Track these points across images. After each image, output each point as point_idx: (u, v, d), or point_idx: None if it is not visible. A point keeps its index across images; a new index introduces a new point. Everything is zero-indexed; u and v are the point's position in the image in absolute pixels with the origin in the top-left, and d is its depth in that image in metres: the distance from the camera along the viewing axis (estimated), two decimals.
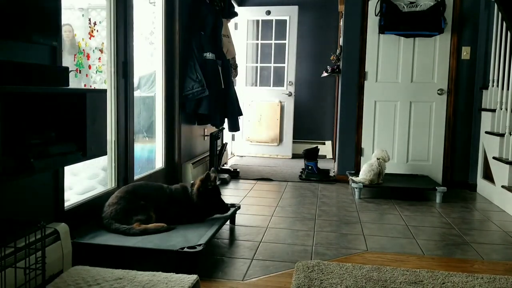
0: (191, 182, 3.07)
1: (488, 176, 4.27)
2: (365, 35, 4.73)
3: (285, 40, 6.46)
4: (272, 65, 6.69)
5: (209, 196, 2.85)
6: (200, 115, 4.39)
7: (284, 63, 6.51)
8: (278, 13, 6.47)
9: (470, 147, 4.66)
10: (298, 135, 6.58)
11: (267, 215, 3.51)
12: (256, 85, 6.81)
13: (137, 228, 2.48)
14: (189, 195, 2.86)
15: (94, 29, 2.90)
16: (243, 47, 6.56)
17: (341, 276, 2.28)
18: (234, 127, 5.14)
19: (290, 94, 6.47)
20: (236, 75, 5.69)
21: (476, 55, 4.58)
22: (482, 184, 4.42)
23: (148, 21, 3.90)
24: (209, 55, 4.33)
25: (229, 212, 3.03)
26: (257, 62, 6.83)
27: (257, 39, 6.81)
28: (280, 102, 6.50)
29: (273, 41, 6.61)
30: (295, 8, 6.35)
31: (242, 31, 6.58)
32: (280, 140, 6.54)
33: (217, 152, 4.85)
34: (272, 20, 6.53)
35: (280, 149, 6.52)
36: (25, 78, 1.82)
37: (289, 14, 6.40)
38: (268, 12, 6.49)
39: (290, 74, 6.48)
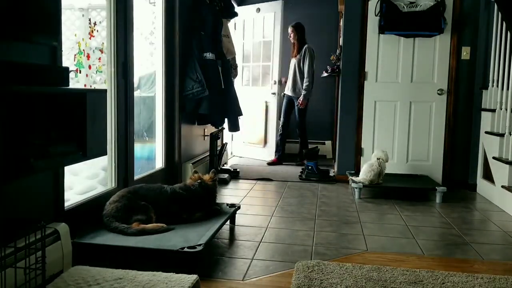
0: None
1: (488, 176, 4.27)
2: (365, 35, 4.73)
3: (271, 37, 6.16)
4: (260, 64, 6.43)
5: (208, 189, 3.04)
6: (200, 115, 4.39)
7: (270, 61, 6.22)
8: (266, 10, 6.28)
9: (470, 147, 4.66)
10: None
11: (267, 215, 3.51)
12: (249, 85, 6.60)
13: (135, 228, 2.48)
14: (191, 188, 2.96)
15: (94, 29, 2.90)
16: (239, 46, 6.44)
17: (341, 276, 2.28)
18: (234, 127, 5.14)
19: (274, 94, 6.16)
20: (236, 75, 5.69)
21: (476, 55, 4.58)
22: (482, 184, 4.42)
23: (148, 21, 3.90)
24: (209, 55, 4.33)
25: (230, 212, 3.06)
26: (250, 62, 6.59)
27: (252, 38, 6.63)
28: (266, 102, 6.25)
29: (262, 39, 6.36)
30: (279, 3, 6.10)
31: (238, 30, 6.51)
32: (265, 142, 6.28)
33: (217, 152, 4.85)
34: (263, 17, 6.32)
35: (265, 151, 6.24)
36: (25, 78, 1.82)
37: (274, 10, 6.18)
38: (258, 10, 6.33)
39: (275, 73, 6.16)
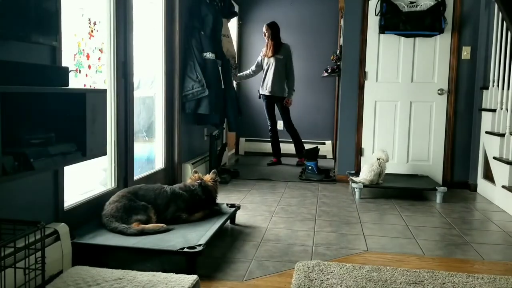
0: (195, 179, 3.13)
1: (488, 176, 4.27)
2: (365, 35, 4.73)
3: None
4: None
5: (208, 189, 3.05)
6: (200, 115, 4.39)
7: None
8: None
9: (470, 147, 4.65)
10: None
11: (267, 215, 3.51)
12: None
13: (134, 228, 2.48)
14: (190, 188, 2.96)
15: (94, 29, 2.89)
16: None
17: (341, 276, 2.28)
18: (234, 127, 5.13)
19: None
20: (236, 75, 5.68)
21: (476, 55, 4.58)
22: (482, 184, 4.42)
23: (148, 21, 3.90)
24: (209, 55, 4.33)
25: (230, 212, 3.06)
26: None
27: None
28: None
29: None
30: None
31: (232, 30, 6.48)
32: None
33: (217, 152, 4.84)
34: None
35: None
36: (25, 78, 1.82)
37: None
38: None
39: None
